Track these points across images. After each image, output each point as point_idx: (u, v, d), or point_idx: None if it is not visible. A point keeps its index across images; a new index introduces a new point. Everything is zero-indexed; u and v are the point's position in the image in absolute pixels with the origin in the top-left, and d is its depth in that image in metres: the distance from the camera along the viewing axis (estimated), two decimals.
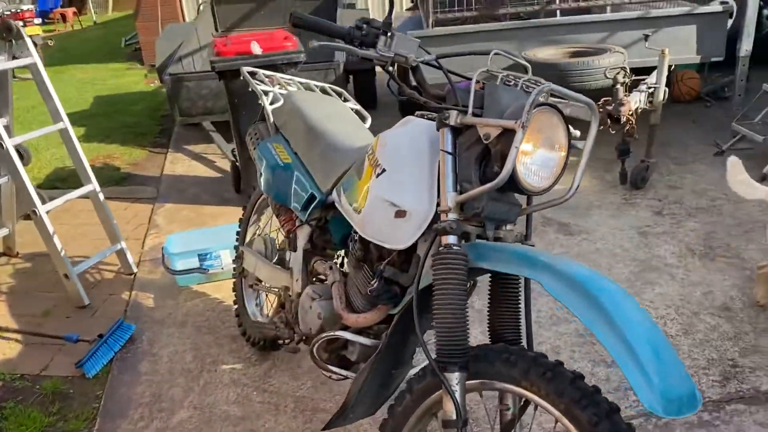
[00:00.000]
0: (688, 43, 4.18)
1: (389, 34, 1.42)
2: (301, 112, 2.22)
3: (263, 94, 2.37)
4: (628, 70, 3.48)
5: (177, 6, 9.15)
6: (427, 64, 1.48)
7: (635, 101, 3.53)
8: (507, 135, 1.35)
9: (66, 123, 3.19)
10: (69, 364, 2.69)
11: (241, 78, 2.60)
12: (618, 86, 3.39)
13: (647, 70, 3.96)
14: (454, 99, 1.46)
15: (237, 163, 4.30)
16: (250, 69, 2.53)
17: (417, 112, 1.69)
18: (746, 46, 4.20)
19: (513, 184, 1.40)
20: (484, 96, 1.43)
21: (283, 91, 2.43)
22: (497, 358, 1.39)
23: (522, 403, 1.49)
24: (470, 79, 1.49)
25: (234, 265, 2.86)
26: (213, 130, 5.39)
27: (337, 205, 1.84)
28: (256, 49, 3.68)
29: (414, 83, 1.52)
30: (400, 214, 1.55)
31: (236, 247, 2.86)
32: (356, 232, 1.83)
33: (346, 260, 2.17)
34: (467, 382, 1.40)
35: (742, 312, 2.67)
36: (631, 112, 3.46)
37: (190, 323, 2.93)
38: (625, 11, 4.56)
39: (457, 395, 1.37)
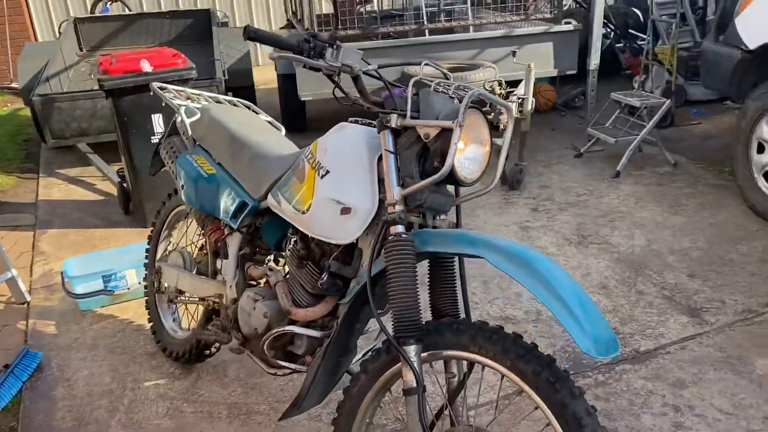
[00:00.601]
0: (546, 58, 4.68)
1: (335, 45, 1.57)
2: (222, 124, 2.29)
3: (179, 108, 2.41)
4: (504, 82, 3.86)
5: (27, 23, 8.61)
6: (368, 74, 1.64)
7: None
8: (444, 134, 1.55)
9: None
10: None
11: (151, 94, 2.61)
12: (501, 120, 3.74)
13: (513, 83, 4.39)
14: (392, 104, 1.63)
15: (125, 184, 4.20)
16: (160, 84, 2.55)
17: (350, 119, 1.85)
18: (594, 60, 4.79)
19: (449, 177, 1.59)
20: (420, 101, 1.62)
21: (197, 105, 2.48)
22: (447, 329, 1.57)
23: (467, 369, 1.68)
24: (401, 86, 1.68)
25: (145, 283, 2.85)
26: (90, 152, 5.17)
27: (274, 209, 1.94)
28: (146, 66, 3.65)
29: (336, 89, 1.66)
30: (346, 211, 1.70)
31: (146, 265, 2.84)
32: (294, 234, 1.95)
33: (278, 261, 2.27)
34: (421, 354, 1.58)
35: (616, 288, 3.07)
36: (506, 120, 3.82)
37: (102, 346, 2.86)
38: (489, 30, 5.00)
39: (416, 365, 1.54)
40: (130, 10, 8.02)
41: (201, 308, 2.48)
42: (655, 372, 2.48)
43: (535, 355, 1.46)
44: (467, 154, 1.61)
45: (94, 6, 8.06)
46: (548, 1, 5.64)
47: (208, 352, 2.54)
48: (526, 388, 1.46)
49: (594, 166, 4.67)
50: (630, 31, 6.66)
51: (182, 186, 2.34)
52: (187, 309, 2.72)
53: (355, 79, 1.61)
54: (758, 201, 3.66)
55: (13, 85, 8.50)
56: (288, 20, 6.48)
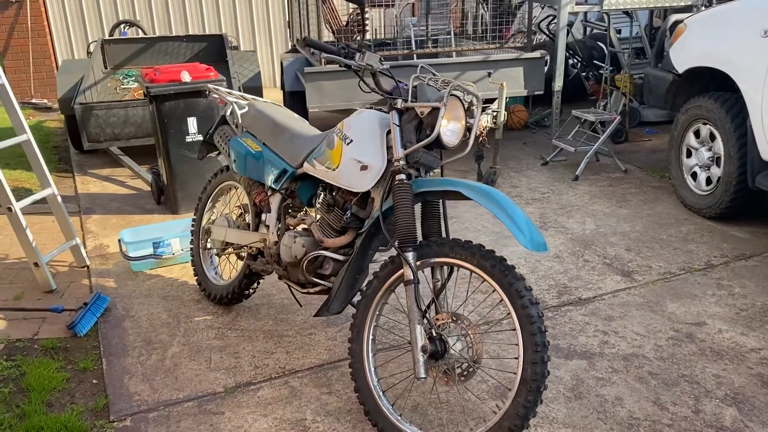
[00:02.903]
0: (517, 80, 5.51)
1: (362, 51, 2.34)
2: (266, 114, 3.05)
3: (232, 102, 3.16)
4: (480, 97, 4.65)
5: (48, 45, 9.35)
6: (382, 72, 2.41)
7: (485, 120, 4.72)
8: (433, 112, 2.31)
9: (29, 135, 3.72)
10: (57, 330, 3.21)
11: (208, 96, 3.35)
12: (473, 108, 4.53)
13: (491, 101, 5.19)
14: (398, 93, 2.40)
15: (159, 179, 4.92)
16: (214, 86, 3.31)
17: (366, 106, 2.61)
18: (558, 82, 5.63)
19: (436, 143, 2.34)
20: (417, 91, 2.38)
21: (243, 102, 3.23)
22: (433, 244, 2.32)
23: (447, 275, 2.42)
24: (402, 82, 2.45)
25: (191, 247, 3.56)
26: (122, 153, 5.89)
27: (310, 171, 2.69)
28: (186, 77, 4.41)
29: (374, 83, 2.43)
30: (364, 168, 2.45)
31: (192, 231, 3.56)
32: (323, 191, 2.70)
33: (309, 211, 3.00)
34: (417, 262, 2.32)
35: (568, 258, 3.84)
36: (482, 128, 4.63)
37: (156, 294, 3.55)
38: (470, 56, 5.84)
39: (412, 265, 2.27)
40: (145, 34, 8.82)
41: (242, 257, 3.20)
42: (592, 311, 3.23)
43: (492, 256, 2.21)
44: (449, 127, 2.37)
45: (113, 30, 8.86)
46: (521, 33, 6.52)
47: (247, 292, 3.26)
48: (486, 277, 2.20)
49: (557, 172, 5.47)
50: (594, 61, 7.56)
51: (234, 161, 3.08)
52: (228, 261, 3.44)
53: (374, 74, 2.38)
54: (686, 196, 4.47)
55: (34, 100, 9.22)
56: (293, 45, 7.28)
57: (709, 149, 4.30)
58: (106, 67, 7.25)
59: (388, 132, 2.44)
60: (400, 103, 2.37)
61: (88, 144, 5.74)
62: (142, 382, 2.78)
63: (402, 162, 2.35)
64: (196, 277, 3.50)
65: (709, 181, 4.32)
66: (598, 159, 5.63)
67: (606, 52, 6.86)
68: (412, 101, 2.36)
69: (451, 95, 2.34)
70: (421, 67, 2.52)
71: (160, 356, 2.97)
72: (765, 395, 2.56)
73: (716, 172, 4.22)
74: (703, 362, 2.79)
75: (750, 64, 3.82)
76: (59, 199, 3.82)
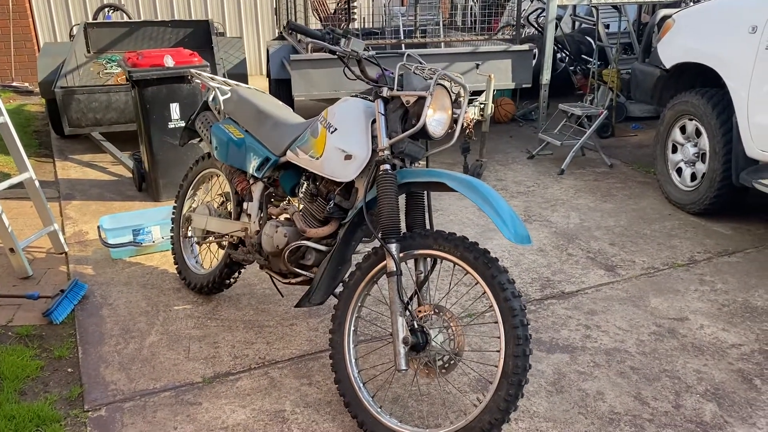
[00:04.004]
0: (505, 72, 5.49)
1: (348, 37, 2.29)
2: (249, 101, 2.99)
3: (215, 88, 3.10)
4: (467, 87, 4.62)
5: (30, 27, 9.18)
6: (368, 60, 2.36)
7: (472, 112, 4.69)
8: (419, 101, 2.27)
9: (5, 117, 3.63)
10: (32, 318, 3.15)
11: (191, 81, 3.28)
12: (460, 99, 4.50)
13: (479, 93, 5.16)
14: (384, 81, 2.36)
15: (141, 165, 4.84)
16: (197, 71, 3.24)
17: (352, 94, 2.56)
18: (546, 76, 5.60)
19: (422, 133, 2.31)
20: (403, 79, 2.34)
21: (226, 87, 3.17)
22: (417, 235, 2.29)
23: (430, 267, 2.39)
24: (388, 70, 2.40)
25: (171, 235, 3.50)
26: (103, 139, 5.79)
27: (293, 160, 2.64)
28: (169, 62, 4.33)
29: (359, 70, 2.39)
30: (348, 157, 2.41)
31: (173, 219, 3.50)
32: (306, 180, 2.66)
33: (292, 200, 2.96)
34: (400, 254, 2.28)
35: (551, 252, 3.82)
36: (470, 120, 4.60)
37: (135, 282, 3.50)
38: (459, 47, 5.80)
39: (395, 256, 2.24)
40: (130, 18, 8.68)
41: (223, 245, 3.15)
42: (574, 305, 3.22)
43: (475, 248, 2.18)
44: (435, 117, 2.33)
45: (96, 13, 8.71)
46: (509, 26, 6.49)
47: (228, 281, 3.21)
48: (469, 269, 2.17)
49: (543, 165, 5.46)
50: (582, 56, 7.55)
51: (216, 148, 3.03)
52: (209, 249, 3.38)
53: (359, 61, 2.34)
54: (671, 191, 4.47)
55: (15, 84, 9.05)
56: (279, 33, 7.20)
57: (695, 145, 4.30)
58: (89, 51, 7.14)
59: (374, 121, 2.40)
60: (385, 92, 2.33)
61: (69, 129, 5.63)
62: (119, 371, 2.73)
63: (387, 152, 2.31)
64: (176, 266, 3.45)
65: (693, 177, 4.33)
66: (584, 153, 5.63)
67: (594, 46, 6.84)
68: (398, 90, 2.32)
69: (438, 84, 2.30)
70: (408, 55, 2.48)
71: (138, 345, 2.92)
72: (745, 391, 2.56)
73: (701, 168, 4.23)
74: (685, 357, 2.79)
75: (737, 60, 3.81)
76: (37, 183, 3.74)
